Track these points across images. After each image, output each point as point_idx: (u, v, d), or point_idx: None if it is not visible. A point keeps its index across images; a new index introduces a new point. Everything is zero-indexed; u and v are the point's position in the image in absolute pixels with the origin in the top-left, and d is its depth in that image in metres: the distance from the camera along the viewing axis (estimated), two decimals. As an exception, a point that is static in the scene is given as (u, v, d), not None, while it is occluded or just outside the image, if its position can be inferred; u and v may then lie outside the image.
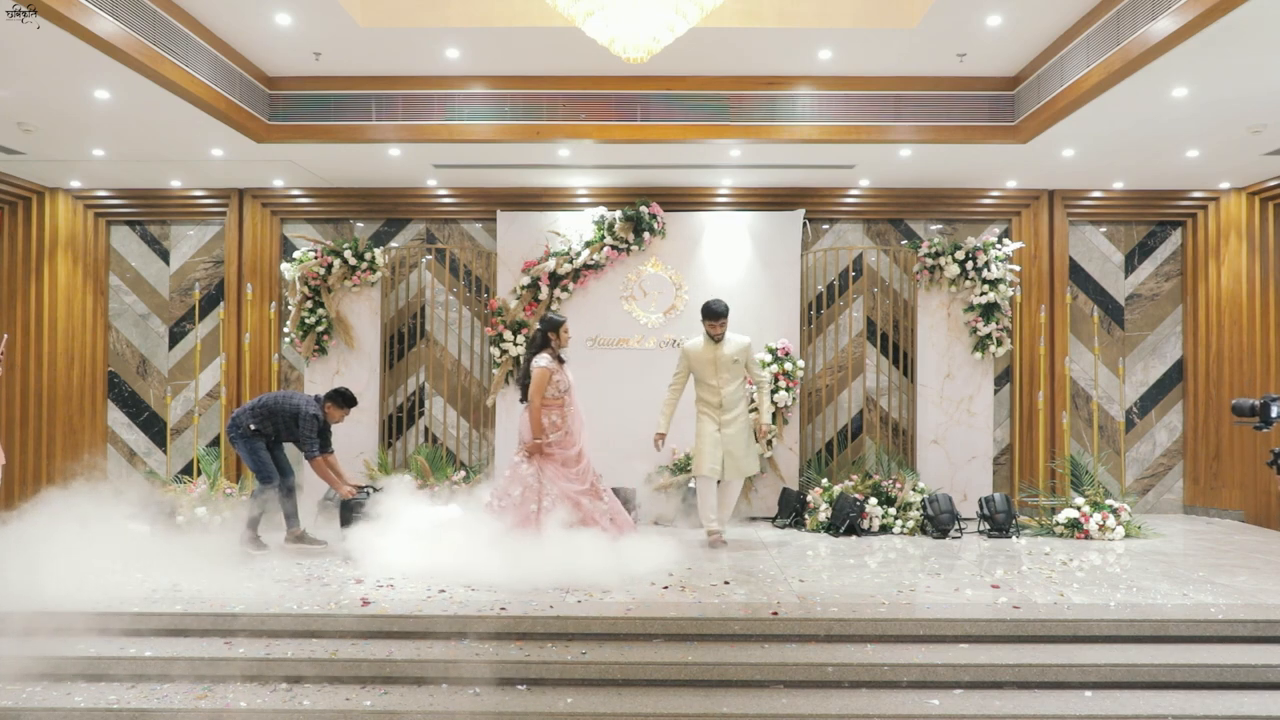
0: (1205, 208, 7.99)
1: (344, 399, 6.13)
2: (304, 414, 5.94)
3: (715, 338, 6.28)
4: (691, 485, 7.34)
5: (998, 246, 7.70)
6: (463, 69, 6.36)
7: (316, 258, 7.73)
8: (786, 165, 7.30)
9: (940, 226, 8.19)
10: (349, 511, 6.26)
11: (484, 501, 6.03)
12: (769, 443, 7.59)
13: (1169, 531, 7.07)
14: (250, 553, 5.85)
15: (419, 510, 6.03)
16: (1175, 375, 8.20)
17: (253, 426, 5.99)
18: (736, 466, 6.25)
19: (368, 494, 6.17)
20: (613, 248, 7.64)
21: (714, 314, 6.24)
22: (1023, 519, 7.09)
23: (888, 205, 8.07)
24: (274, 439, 6.13)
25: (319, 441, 6.04)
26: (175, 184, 7.95)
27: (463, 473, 7.51)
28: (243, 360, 7.89)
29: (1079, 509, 6.79)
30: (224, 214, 8.15)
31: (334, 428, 6.26)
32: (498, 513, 5.76)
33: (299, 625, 4.27)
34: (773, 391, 7.49)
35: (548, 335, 5.94)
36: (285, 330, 7.95)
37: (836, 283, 8.12)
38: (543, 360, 5.87)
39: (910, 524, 6.95)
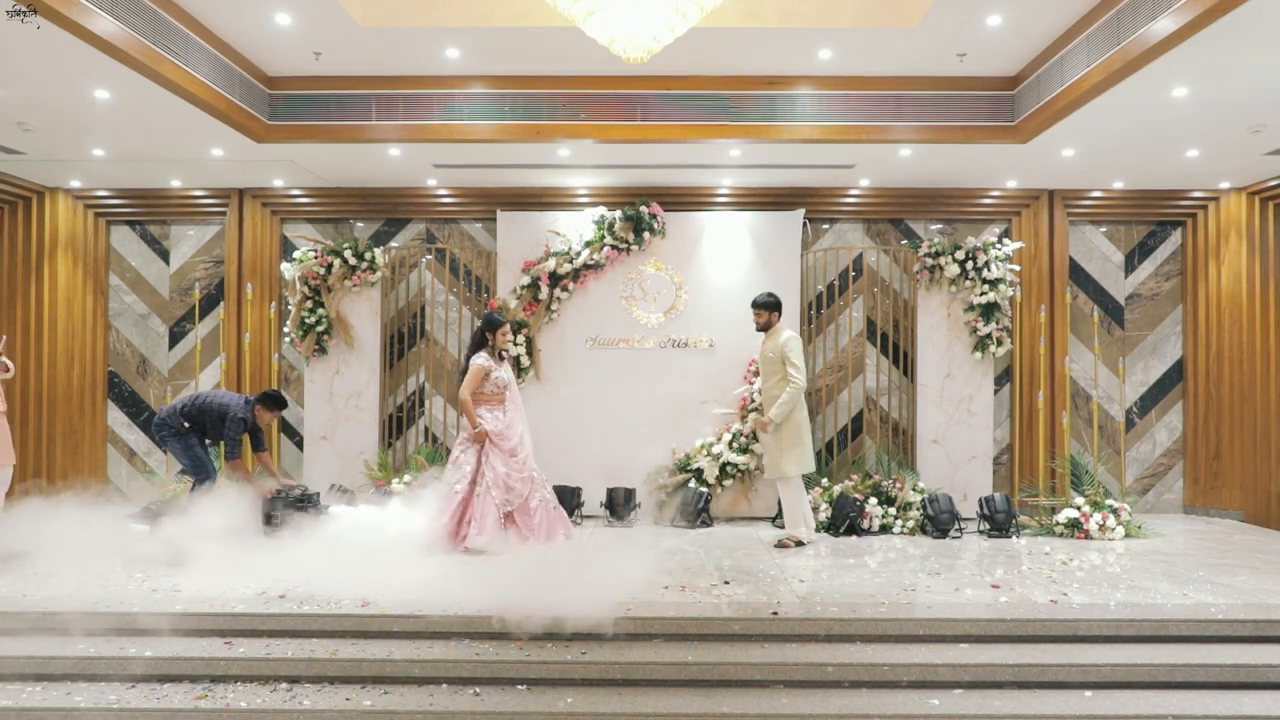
0: (1205, 208, 7.99)
1: (274, 401, 6.14)
2: (232, 415, 5.94)
3: (758, 327, 6.45)
4: (690, 484, 7.35)
5: (998, 246, 7.70)
6: (463, 69, 6.36)
7: (316, 257, 7.72)
8: (786, 165, 7.30)
9: (940, 226, 8.19)
10: (271, 514, 6.14)
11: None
12: None
13: (1169, 531, 7.07)
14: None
15: (344, 515, 6.09)
16: (1175, 375, 8.20)
17: (185, 425, 5.98)
18: (770, 465, 6.35)
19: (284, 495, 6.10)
20: (613, 247, 7.64)
21: (752, 303, 6.46)
22: (1023, 519, 7.09)
23: (888, 205, 8.07)
24: (201, 437, 6.12)
25: (241, 443, 6.03)
26: (175, 184, 7.95)
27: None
28: (243, 360, 7.89)
29: (1079, 509, 6.79)
30: (224, 214, 8.15)
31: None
32: (443, 503, 5.87)
33: (299, 625, 4.27)
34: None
35: (486, 334, 6.17)
36: (285, 330, 7.94)
37: (836, 282, 8.12)
38: (479, 358, 6.10)
39: (910, 524, 6.94)
